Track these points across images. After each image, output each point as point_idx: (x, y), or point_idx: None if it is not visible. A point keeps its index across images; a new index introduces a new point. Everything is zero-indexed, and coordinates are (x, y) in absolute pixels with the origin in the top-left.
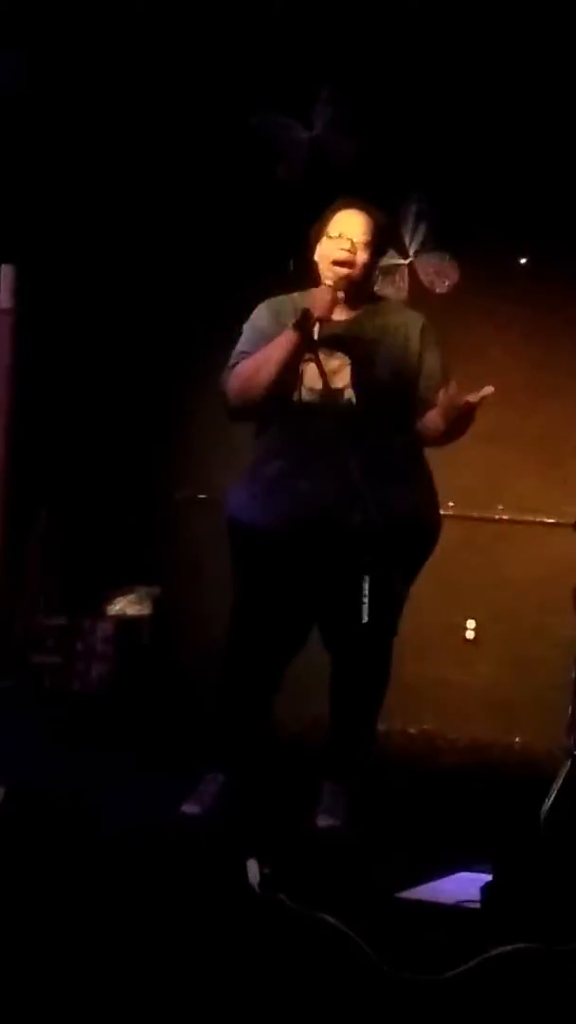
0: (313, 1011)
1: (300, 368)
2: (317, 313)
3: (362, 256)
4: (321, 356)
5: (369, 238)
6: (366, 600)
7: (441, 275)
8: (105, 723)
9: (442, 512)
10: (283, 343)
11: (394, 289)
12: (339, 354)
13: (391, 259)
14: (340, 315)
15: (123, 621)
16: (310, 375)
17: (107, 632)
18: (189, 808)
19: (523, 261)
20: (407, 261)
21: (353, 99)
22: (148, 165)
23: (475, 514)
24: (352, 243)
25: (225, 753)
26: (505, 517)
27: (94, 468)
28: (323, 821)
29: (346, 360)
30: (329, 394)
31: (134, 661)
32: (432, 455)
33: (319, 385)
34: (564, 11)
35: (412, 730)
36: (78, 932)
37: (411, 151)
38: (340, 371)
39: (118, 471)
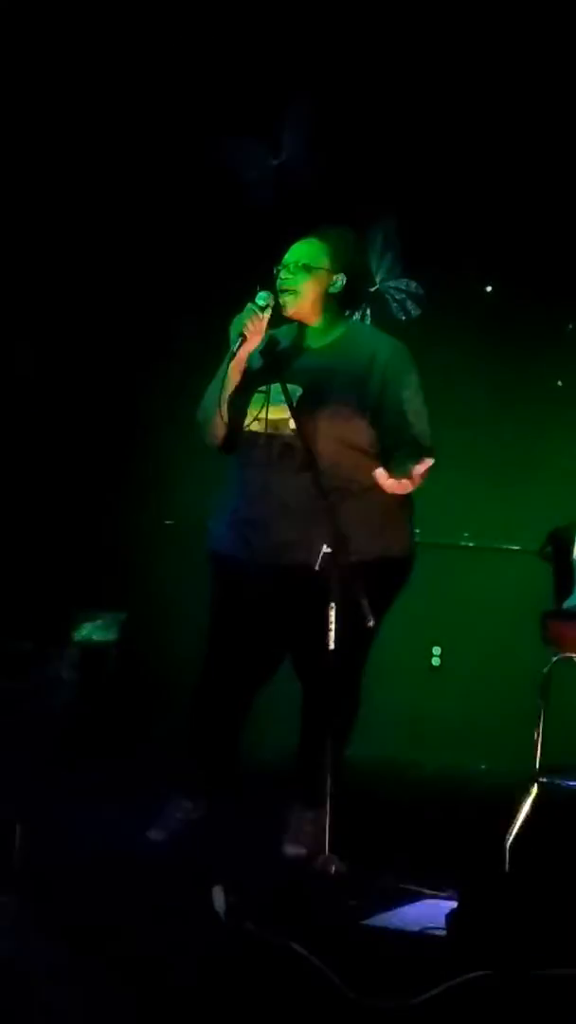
0: None
1: (249, 398)
2: (238, 330)
3: (299, 279)
4: (271, 387)
5: (308, 261)
6: (332, 631)
7: (407, 301)
8: (70, 749)
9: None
10: (220, 374)
11: (360, 315)
12: (293, 384)
13: None
14: (310, 342)
15: (89, 647)
16: (257, 404)
17: (73, 658)
18: (154, 834)
19: (488, 288)
20: (373, 288)
21: (320, 125)
22: (113, 196)
23: (440, 541)
24: (288, 268)
25: (194, 780)
26: (471, 544)
27: (59, 493)
28: (290, 849)
29: (297, 389)
30: (273, 423)
31: (100, 687)
32: None
33: (265, 414)
34: (528, 35)
35: (378, 757)
36: (41, 958)
37: (379, 177)
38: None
39: (84, 496)
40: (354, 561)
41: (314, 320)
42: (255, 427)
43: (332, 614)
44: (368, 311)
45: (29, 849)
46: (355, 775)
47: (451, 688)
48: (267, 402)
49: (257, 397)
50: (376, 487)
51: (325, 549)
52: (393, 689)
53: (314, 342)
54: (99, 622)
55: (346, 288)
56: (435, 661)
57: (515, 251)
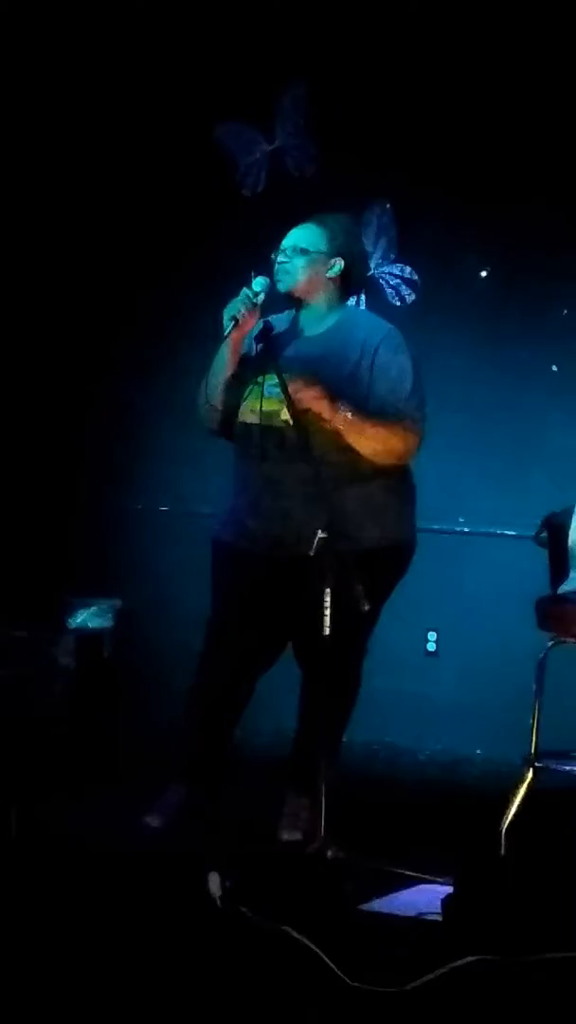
0: (274, 1023)
1: (244, 387)
2: (229, 314)
3: (296, 263)
4: (267, 376)
5: (305, 245)
6: (327, 617)
7: (403, 287)
8: (66, 736)
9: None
10: (215, 358)
11: (355, 301)
12: (285, 373)
13: None
14: (308, 330)
15: (85, 634)
16: (254, 394)
17: (69, 645)
18: (151, 820)
19: (484, 273)
20: (368, 273)
21: (316, 110)
22: (110, 178)
23: (436, 527)
24: (285, 253)
25: (191, 766)
26: (466, 530)
27: (54, 479)
28: (286, 834)
29: (291, 380)
30: (266, 415)
31: (96, 674)
32: None
33: (257, 405)
34: (523, 19)
35: (373, 742)
36: (38, 945)
37: (374, 162)
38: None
39: (79, 482)
40: (352, 548)
41: (311, 304)
42: (249, 418)
43: (327, 600)
44: (362, 296)
45: (25, 836)
46: (351, 760)
47: (447, 673)
48: (261, 392)
49: (251, 387)
50: (373, 475)
51: (320, 534)
52: (389, 674)
53: (310, 329)
54: (94, 609)
55: (343, 273)
56: (431, 646)
57: (511, 236)
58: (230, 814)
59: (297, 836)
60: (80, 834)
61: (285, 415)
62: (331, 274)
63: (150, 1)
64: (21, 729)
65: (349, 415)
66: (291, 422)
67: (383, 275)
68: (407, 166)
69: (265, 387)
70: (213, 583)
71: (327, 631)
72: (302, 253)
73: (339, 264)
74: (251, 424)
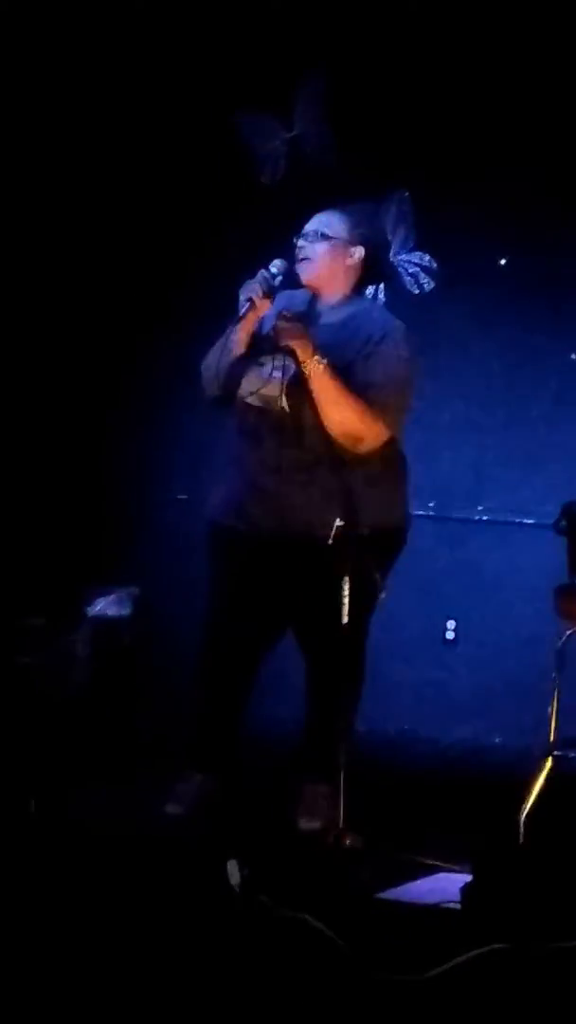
0: (294, 1011)
1: (246, 368)
2: (245, 295)
3: (317, 248)
4: (272, 358)
5: (328, 231)
6: (346, 604)
7: (421, 275)
8: (86, 724)
9: (422, 513)
10: (227, 333)
11: (374, 289)
12: (286, 357)
13: None
14: (326, 318)
15: (103, 622)
16: (252, 377)
17: (87, 633)
18: (172, 808)
19: (503, 261)
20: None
21: (334, 98)
22: (128, 166)
23: (455, 515)
24: (307, 236)
25: (203, 753)
26: (485, 518)
27: (73, 468)
28: (304, 823)
29: (290, 364)
30: (264, 397)
31: (114, 662)
32: (412, 455)
33: (257, 387)
34: (545, 12)
35: (392, 731)
36: (59, 933)
37: (392, 151)
38: (283, 373)
39: (97, 471)
40: (351, 533)
41: (329, 291)
42: (250, 399)
43: (346, 588)
44: (382, 285)
45: (44, 823)
46: (369, 749)
47: (465, 661)
48: (263, 374)
49: (254, 369)
50: (367, 461)
51: (338, 522)
52: (407, 663)
53: (325, 316)
54: (112, 597)
55: (364, 263)
56: (449, 635)
57: (530, 224)
58: (249, 802)
59: (315, 824)
60: (99, 822)
61: (283, 402)
62: (351, 262)
63: None
64: (39, 717)
65: (323, 366)
66: (287, 409)
67: (402, 263)
68: (426, 154)
69: (268, 370)
70: (211, 566)
71: (346, 619)
72: (324, 238)
73: (360, 252)
74: (252, 405)
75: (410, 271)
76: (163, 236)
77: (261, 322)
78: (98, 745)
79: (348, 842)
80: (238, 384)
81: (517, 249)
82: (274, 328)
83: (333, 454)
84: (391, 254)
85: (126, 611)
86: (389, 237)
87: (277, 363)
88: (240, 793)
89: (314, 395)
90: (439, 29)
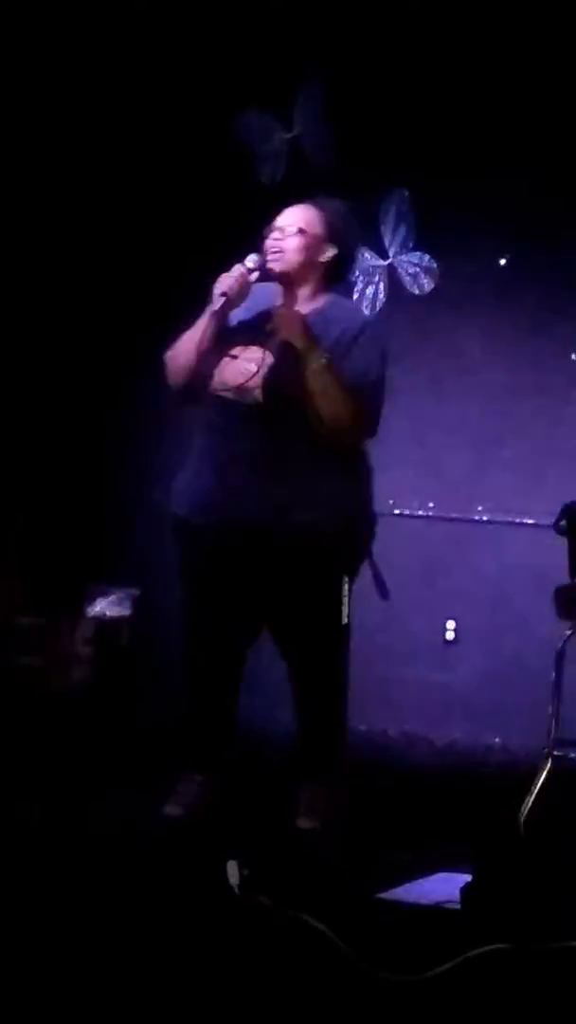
0: (293, 1012)
1: (218, 360)
2: (220, 289)
3: (292, 242)
4: (244, 349)
5: (303, 225)
6: (346, 606)
7: (421, 276)
8: (85, 725)
9: (421, 513)
10: (197, 324)
11: (373, 290)
12: (264, 349)
13: (369, 261)
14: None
15: (103, 622)
16: (224, 369)
17: (87, 633)
18: (171, 809)
19: (503, 261)
20: (386, 262)
21: (333, 98)
22: (129, 166)
23: (455, 515)
24: (282, 231)
25: (197, 754)
26: (485, 518)
27: (72, 468)
28: (303, 823)
29: (267, 355)
30: (239, 390)
31: (114, 663)
32: (413, 456)
33: (231, 380)
34: (545, 12)
35: (392, 731)
36: (59, 933)
37: (391, 152)
38: (257, 366)
39: (98, 471)
40: (319, 529)
41: (300, 286)
42: (223, 392)
43: (346, 587)
44: (382, 285)
45: (44, 823)
46: (369, 749)
47: (465, 662)
48: (237, 366)
49: (227, 362)
50: (337, 457)
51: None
52: (407, 663)
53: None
54: (113, 597)
55: (334, 261)
56: (449, 635)
57: (530, 224)
58: (248, 803)
59: (315, 824)
60: (98, 822)
61: (258, 391)
62: (323, 259)
63: None
64: (40, 717)
65: (325, 361)
66: (262, 400)
67: (401, 263)
68: (425, 154)
69: (241, 361)
70: (184, 563)
71: (345, 619)
72: (299, 233)
73: (332, 251)
74: (225, 398)
75: (410, 271)
76: (163, 236)
77: (229, 316)
78: (98, 745)
79: (347, 842)
80: (208, 377)
81: (517, 249)
82: (274, 320)
83: (307, 447)
84: (391, 254)
85: (126, 611)
86: (389, 237)
87: (251, 355)
88: (239, 794)
89: (309, 389)
90: (439, 29)
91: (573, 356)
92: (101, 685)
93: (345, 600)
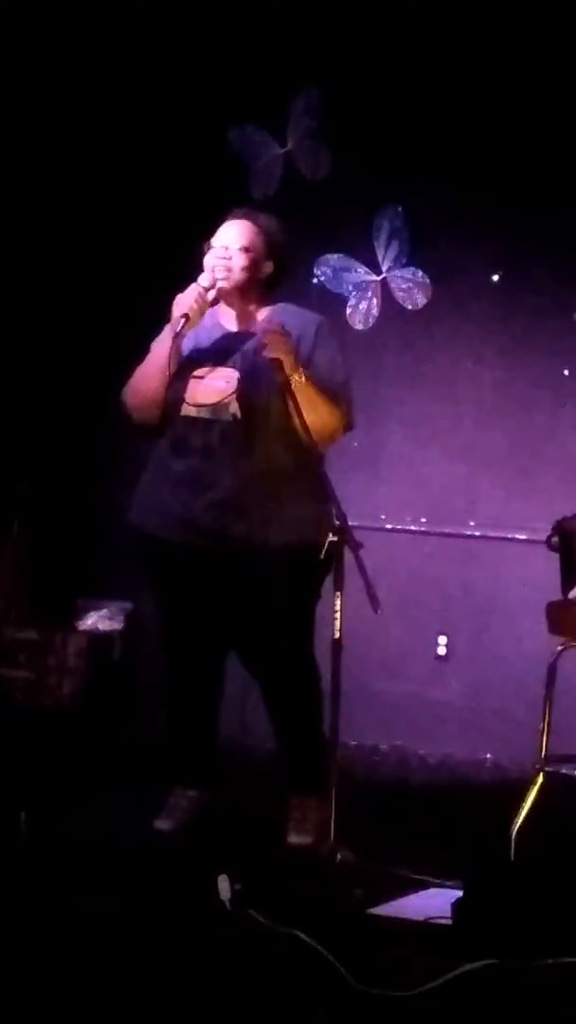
0: None
1: (187, 382)
2: (180, 310)
3: (239, 260)
4: (210, 369)
5: (246, 243)
6: (337, 620)
7: (414, 291)
8: (76, 738)
9: (413, 528)
10: (157, 347)
11: (366, 305)
12: (228, 367)
13: (363, 276)
14: (234, 325)
15: (95, 636)
16: (195, 390)
17: (79, 647)
18: (162, 824)
19: (495, 277)
20: (379, 277)
21: (327, 113)
22: (125, 179)
23: (447, 530)
24: (227, 249)
25: (182, 769)
26: (477, 533)
27: (65, 482)
28: (294, 837)
29: (234, 372)
30: (213, 408)
31: (105, 676)
32: (404, 471)
33: (204, 400)
34: (534, 33)
35: (383, 746)
36: (49, 948)
37: (385, 166)
38: (229, 383)
39: (91, 485)
40: (290, 545)
41: (245, 303)
42: (192, 412)
43: (338, 604)
44: (375, 300)
45: (35, 838)
46: (360, 764)
47: (457, 677)
48: (206, 386)
49: (194, 383)
50: (306, 472)
51: (331, 537)
52: (399, 678)
53: (234, 325)
54: (105, 611)
55: (272, 276)
56: (441, 650)
57: (522, 240)
58: (239, 817)
59: (306, 839)
60: (89, 836)
61: (234, 407)
62: (263, 276)
63: (162, 6)
64: (31, 730)
65: (304, 379)
66: (239, 415)
67: (395, 278)
68: (419, 170)
69: (210, 380)
70: (159, 583)
71: (337, 635)
72: (244, 251)
73: (270, 267)
74: (195, 418)
75: (403, 287)
76: (157, 252)
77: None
78: (89, 759)
79: (339, 857)
80: (176, 401)
81: (510, 265)
82: (261, 340)
83: (282, 461)
84: (384, 270)
85: (118, 625)
86: (382, 252)
87: (220, 375)
88: (230, 808)
89: (295, 403)
90: (434, 45)
91: (566, 372)
92: (93, 699)
93: (336, 616)
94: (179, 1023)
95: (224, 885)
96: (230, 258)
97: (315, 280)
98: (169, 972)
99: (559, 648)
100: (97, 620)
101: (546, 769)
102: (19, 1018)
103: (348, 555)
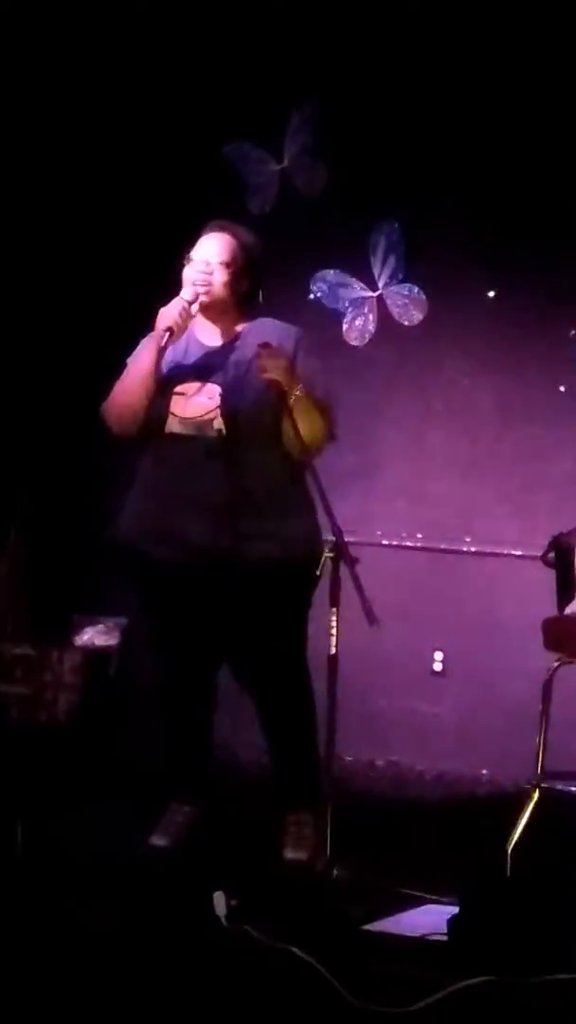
0: None
1: (169, 399)
2: (166, 324)
3: (220, 275)
4: (192, 385)
5: (228, 257)
6: (334, 636)
7: (410, 307)
8: (72, 753)
9: (409, 544)
10: (140, 361)
11: (363, 321)
12: (211, 382)
13: (359, 292)
14: (214, 340)
15: (91, 652)
16: (178, 406)
17: (75, 663)
18: (158, 840)
19: (491, 294)
20: (376, 293)
21: (324, 130)
22: (119, 196)
23: (443, 545)
24: (208, 264)
25: (177, 785)
26: (473, 549)
27: (61, 496)
28: (290, 853)
29: (216, 388)
30: (198, 425)
31: (101, 692)
32: (400, 487)
33: (188, 415)
34: (531, 46)
35: (379, 762)
36: (44, 964)
37: (381, 183)
38: (212, 399)
39: (86, 500)
40: (281, 557)
41: (220, 318)
42: (177, 428)
43: (334, 619)
44: (371, 315)
45: (31, 853)
46: (356, 780)
47: (452, 693)
48: (189, 401)
49: (177, 399)
50: (292, 484)
51: (327, 553)
52: (395, 694)
53: (214, 340)
54: (101, 627)
55: (247, 291)
56: (437, 666)
57: (518, 256)
58: (235, 833)
59: (302, 855)
60: (85, 852)
61: (218, 423)
62: (244, 288)
63: (158, 22)
64: (27, 745)
65: (299, 392)
66: (223, 431)
67: (391, 294)
68: (415, 186)
69: (193, 396)
70: (146, 596)
71: (333, 650)
72: (224, 266)
73: (248, 280)
74: (179, 435)
75: (399, 303)
76: (154, 266)
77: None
78: (84, 775)
79: (335, 873)
80: (160, 418)
81: (506, 281)
82: (258, 360)
83: (269, 475)
84: (381, 286)
85: (114, 641)
86: (378, 268)
87: (203, 391)
88: (226, 823)
89: (291, 414)
90: (430, 62)
91: (562, 388)
92: (88, 714)
93: (332, 631)
94: None
95: (220, 901)
96: (211, 273)
97: (311, 296)
98: (165, 988)
99: (555, 664)
100: (93, 635)
101: (542, 785)
102: None
103: (344, 571)
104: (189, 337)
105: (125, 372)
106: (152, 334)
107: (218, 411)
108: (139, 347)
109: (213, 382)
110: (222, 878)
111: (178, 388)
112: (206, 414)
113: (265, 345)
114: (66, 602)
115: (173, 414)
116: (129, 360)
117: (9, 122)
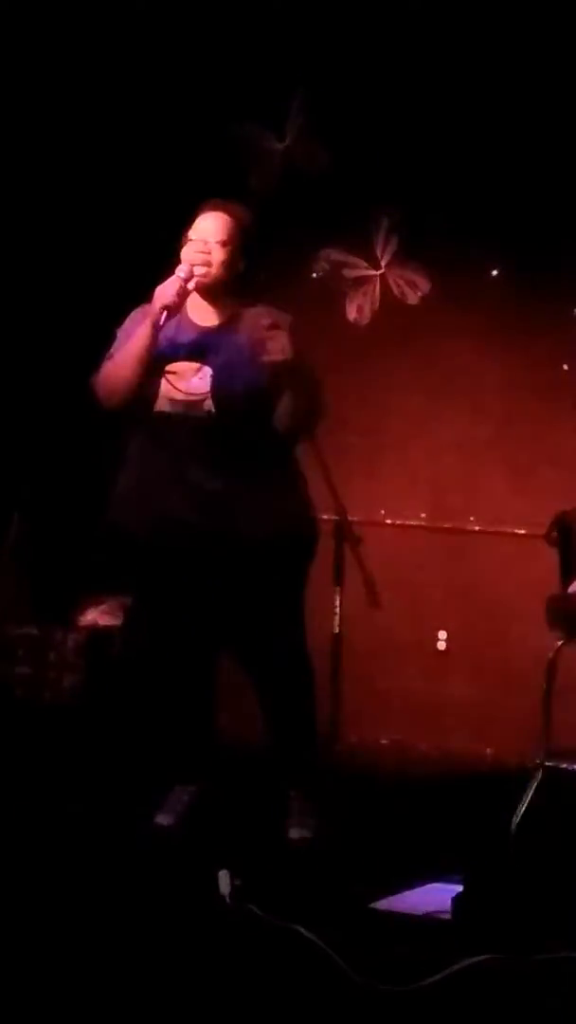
0: (285, 1022)
1: (160, 378)
2: (163, 302)
3: (218, 255)
4: (184, 364)
5: (225, 237)
6: (337, 615)
7: (412, 286)
8: (76, 733)
9: (413, 523)
10: (136, 338)
11: (365, 300)
12: (203, 363)
13: (362, 271)
14: (207, 320)
15: (94, 631)
16: (169, 386)
17: (78, 642)
18: (162, 819)
19: (495, 272)
20: (378, 272)
21: (326, 109)
22: (121, 179)
23: (447, 525)
24: (206, 243)
25: (182, 763)
26: (477, 528)
27: (65, 477)
28: (294, 832)
29: (207, 368)
30: (188, 404)
31: (105, 671)
32: (405, 466)
33: (178, 396)
34: (530, 33)
35: (383, 740)
36: (50, 943)
37: (384, 161)
38: (203, 380)
39: (88, 480)
40: (271, 537)
41: (214, 298)
42: (167, 408)
43: (338, 597)
44: (374, 295)
45: (34, 832)
46: (361, 759)
47: (457, 672)
48: (186, 382)
49: (169, 378)
50: (284, 463)
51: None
52: (399, 673)
53: (207, 320)
54: (104, 606)
55: (243, 270)
56: (441, 645)
57: (521, 235)
58: (240, 812)
59: (306, 834)
60: (89, 831)
61: (208, 404)
62: (235, 271)
63: (162, 3)
64: (31, 726)
65: (299, 370)
66: (214, 411)
67: (394, 274)
68: (418, 164)
69: (184, 376)
70: (139, 579)
71: (337, 629)
72: (222, 245)
73: (244, 260)
74: (169, 414)
75: (402, 282)
76: (157, 252)
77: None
78: (88, 754)
79: (338, 852)
80: (151, 396)
81: (509, 260)
82: (268, 344)
83: (260, 455)
84: (383, 266)
85: (117, 620)
86: (380, 249)
87: (194, 370)
88: (230, 803)
89: (284, 392)
90: (433, 40)
91: (565, 367)
92: (92, 694)
93: (336, 611)
94: (180, 1018)
95: (224, 880)
96: (209, 252)
97: (314, 274)
98: (169, 967)
99: (559, 643)
100: (97, 615)
101: (546, 764)
102: (20, 1013)
103: (348, 550)
104: (182, 315)
105: (115, 345)
106: (143, 307)
107: (209, 392)
108: (128, 321)
109: (206, 363)
110: (226, 857)
111: (169, 367)
112: (197, 394)
113: (275, 326)
114: (69, 582)
115: (163, 393)
116: (120, 332)
117: (9, 102)
